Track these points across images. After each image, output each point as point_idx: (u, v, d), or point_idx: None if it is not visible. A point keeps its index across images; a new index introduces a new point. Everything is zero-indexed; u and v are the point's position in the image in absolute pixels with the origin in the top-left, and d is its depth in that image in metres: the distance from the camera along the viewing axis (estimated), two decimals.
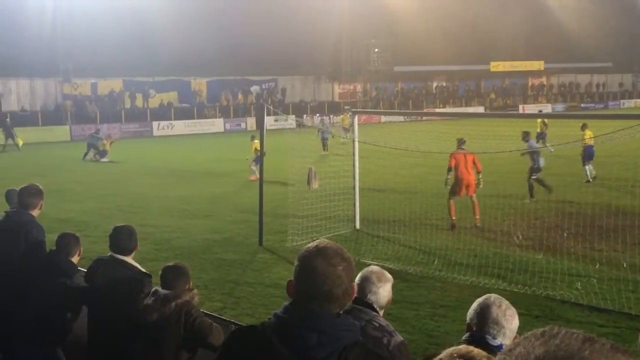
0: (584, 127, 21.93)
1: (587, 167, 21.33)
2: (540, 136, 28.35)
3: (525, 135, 18.51)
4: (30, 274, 6.00)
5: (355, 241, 13.99)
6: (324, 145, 30.81)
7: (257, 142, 24.84)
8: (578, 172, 21.41)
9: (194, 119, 51.07)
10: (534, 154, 18.08)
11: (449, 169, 15.23)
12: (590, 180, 20.94)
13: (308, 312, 2.43)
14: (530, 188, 17.94)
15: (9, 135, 37.48)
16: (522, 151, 17.99)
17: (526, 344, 1.13)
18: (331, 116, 54.38)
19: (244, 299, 10.36)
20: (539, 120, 29.18)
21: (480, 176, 15.39)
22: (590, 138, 20.65)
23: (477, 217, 15.13)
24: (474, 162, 15.13)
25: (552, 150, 24.76)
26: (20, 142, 37.05)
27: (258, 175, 23.57)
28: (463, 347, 2.35)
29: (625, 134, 11.69)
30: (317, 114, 52.34)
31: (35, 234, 6.38)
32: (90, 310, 5.77)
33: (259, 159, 24.03)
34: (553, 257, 12.30)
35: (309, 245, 2.57)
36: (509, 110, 64.93)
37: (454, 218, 15.09)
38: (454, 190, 15.10)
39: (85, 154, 31.34)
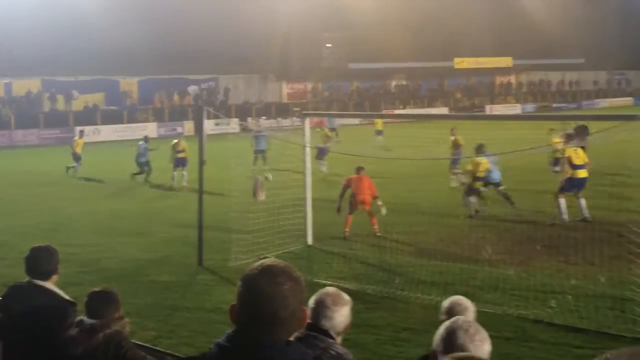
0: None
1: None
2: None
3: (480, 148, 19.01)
4: None
5: (307, 259, 14.00)
6: (256, 157, 27.54)
7: (175, 141, 25.46)
8: (547, 180, 21.97)
9: (123, 123, 50.45)
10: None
11: (341, 195, 16.48)
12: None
13: (254, 339, 2.42)
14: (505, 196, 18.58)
15: None
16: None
17: None
18: (279, 119, 54.40)
19: (181, 327, 10.27)
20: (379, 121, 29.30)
21: (379, 202, 16.29)
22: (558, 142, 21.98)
23: (375, 227, 16.09)
24: (369, 187, 16.33)
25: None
26: None
27: (182, 183, 24.31)
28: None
29: (599, 137, 11.99)
30: (264, 117, 52.34)
31: None
32: (5, 344, 5.63)
33: (180, 160, 24.63)
34: (525, 272, 12.50)
35: (254, 264, 2.57)
36: (475, 111, 66.00)
37: (346, 230, 16.03)
38: (351, 205, 16.25)
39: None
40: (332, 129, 38.75)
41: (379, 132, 36.27)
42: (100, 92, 53.26)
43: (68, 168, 28.59)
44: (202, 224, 14.04)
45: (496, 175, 18.75)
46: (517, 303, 10.80)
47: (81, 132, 31.54)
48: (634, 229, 10.31)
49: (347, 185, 16.47)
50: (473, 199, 18.27)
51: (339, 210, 16.29)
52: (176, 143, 25.36)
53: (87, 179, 27.42)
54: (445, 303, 4.95)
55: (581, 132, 18.39)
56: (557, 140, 22.82)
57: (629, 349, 1.57)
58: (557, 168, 23.15)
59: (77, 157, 28.72)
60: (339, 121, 42.18)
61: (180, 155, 24.89)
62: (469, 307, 4.88)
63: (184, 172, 24.50)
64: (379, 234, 15.93)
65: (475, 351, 3.44)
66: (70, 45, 46.30)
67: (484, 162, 18.34)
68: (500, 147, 16.83)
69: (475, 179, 18.40)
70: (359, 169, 16.57)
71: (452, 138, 23.43)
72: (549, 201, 17.88)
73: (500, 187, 18.81)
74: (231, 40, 53.62)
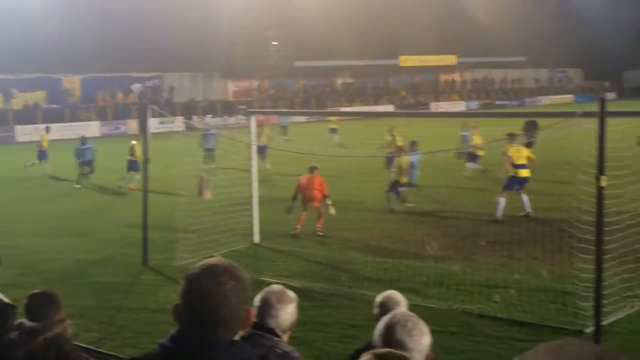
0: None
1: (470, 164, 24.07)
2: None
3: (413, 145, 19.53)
4: None
5: (253, 257, 13.98)
6: (207, 157, 27.36)
7: (134, 142, 24.76)
8: (485, 177, 22.50)
9: (65, 122, 49.50)
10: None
11: (293, 197, 16.41)
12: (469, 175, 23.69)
13: (197, 340, 2.40)
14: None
15: None
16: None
17: None
18: (224, 117, 54.09)
19: (125, 328, 10.16)
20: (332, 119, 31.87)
21: (328, 201, 16.25)
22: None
23: (319, 226, 16.08)
24: (319, 184, 16.38)
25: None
26: None
27: (127, 184, 23.92)
28: (385, 349, 2.49)
29: (542, 133, 12.23)
30: (209, 115, 51.97)
31: None
32: None
33: (134, 164, 24.18)
34: (470, 267, 12.69)
35: (198, 263, 2.54)
36: (420, 108, 66.62)
37: (298, 227, 15.99)
38: (302, 203, 16.32)
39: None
40: (283, 127, 38.93)
41: (333, 130, 36.05)
42: (41, 90, 52.22)
43: (28, 165, 28.17)
44: (146, 223, 13.89)
45: (414, 175, 19.19)
46: (462, 298, 10.97)
47: (47, 127, 32.87)
48: (575, 223, 10.53)
49: (299, 186, 16.43)
50: (395, 194, 18.61)
51: (289, 211, 16.25)
52: (132, 146, 24.75)
53: (36, 178, 26.91)
54: (378, 298, 5.12)
55: (530, 127, 18.63)
56: (477, 136, 23.69)
57: (559, 342, 1.59)
58: (475, 165, 23.88)
59: (43, 154, 28.38)
60: (288, 119, 42.26)
61: (133, 158, 24.33)
62: (401, 301, 5.02)
63: (136, 176, 23.64)
64: (320, 234, 15.98)
65: (413, 346, 3.45)
66: (9, 42, 45.30)
67: (405, 158, 18.89)
68: (440, 145, 17.07)
69: (403, 173, 18.79)
70: (312, 169, 16.59)
71: (389, 137, 23.66)
72: (488, 198, 18.17)
73: (412, 187, 19.27)
74: (176, 38, 53.07)
